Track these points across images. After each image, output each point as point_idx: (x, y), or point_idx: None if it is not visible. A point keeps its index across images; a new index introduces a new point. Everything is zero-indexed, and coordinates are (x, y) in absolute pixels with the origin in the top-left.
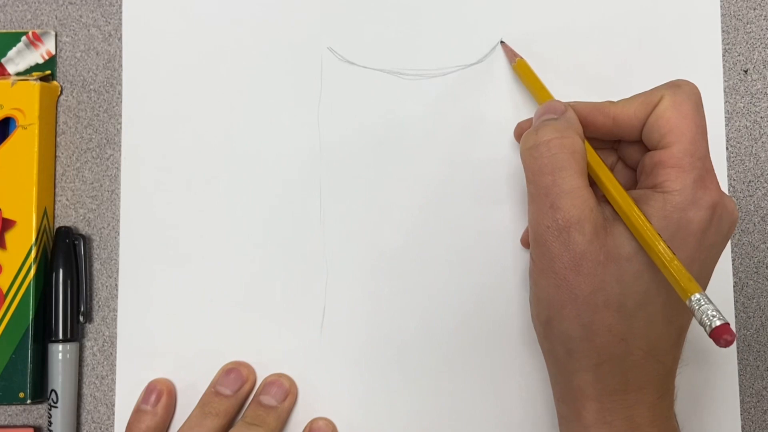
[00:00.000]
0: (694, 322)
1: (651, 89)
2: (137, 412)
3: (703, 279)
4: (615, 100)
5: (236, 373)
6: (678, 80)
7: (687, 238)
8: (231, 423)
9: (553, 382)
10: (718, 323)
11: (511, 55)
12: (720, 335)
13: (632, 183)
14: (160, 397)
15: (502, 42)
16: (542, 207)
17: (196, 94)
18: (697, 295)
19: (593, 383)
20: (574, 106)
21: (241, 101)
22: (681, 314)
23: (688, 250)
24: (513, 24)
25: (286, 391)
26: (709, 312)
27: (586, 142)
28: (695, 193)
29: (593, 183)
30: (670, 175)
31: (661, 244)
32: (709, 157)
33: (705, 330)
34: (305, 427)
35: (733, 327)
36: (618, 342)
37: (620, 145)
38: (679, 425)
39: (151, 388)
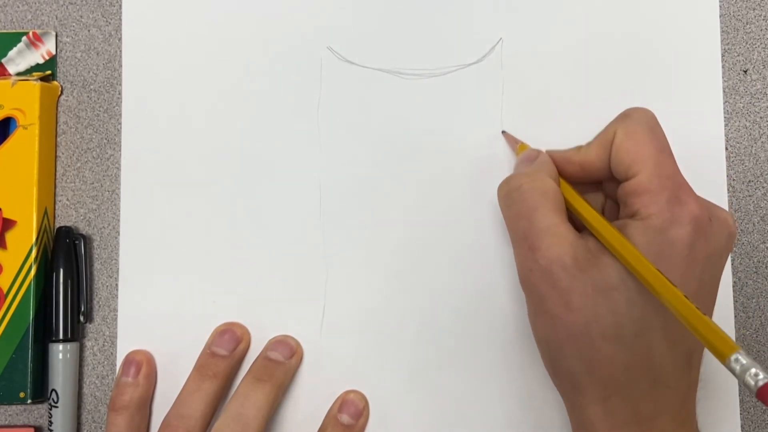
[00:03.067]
0: None
1: (605, 128)
2: (118, 385)
3: (705, 296)
4: (584, 141)
5: (230, 333)
6: (627, 110)
7: (673, 258)
8: (229, 384)
9: (569, 417)
10: (763, 382)
11: (513, 143)
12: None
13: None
14: (140, 367)
15: (503, 132)
16: (523, 250)
17: (196, 93)
18: (735, 355)
19: (604, 417)
20: (548, 153)
21: (240, 101)
22: (685, 336)
23: (679, 270)
24: (513, 24)
25: (292, 349)
26: (751, 370)
27: (562, 181)
28: (672, 211)
29: (580, 225)
30: (644, 200)
31: (681, 296)
32: (679, 174)
33: (750, 390)
34: (337, 399)
35: (732, 327)
36: (622, 372)
37: (603, 184)
38: None
39: (129, 360)
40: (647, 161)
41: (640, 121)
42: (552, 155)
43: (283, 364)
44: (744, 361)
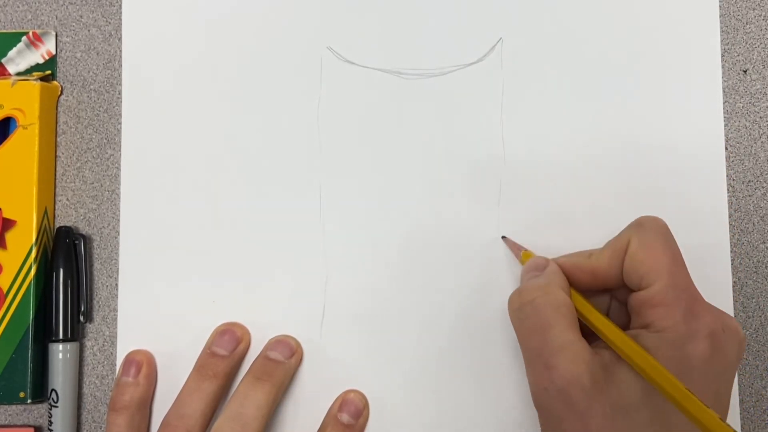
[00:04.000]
0: None
1: (617, 235)
2: (119, 385)
3: (721, 408)
4: (592, 251)
5: (230, 333)
6: (640, 218)
7: (691, 373)
8: (229, 384)
9: None
10: None
11: (515, 249)
12: None
13: (628, 319)
14: (140, 367)
15: (504, 237)
16: (537, 369)
17: (196, 93)
18: None
19: None
20: (557, 262)
21: (240, 101)
22: None
23: (696, 385)
24: (513, 24)
25: (292, 349)
26: None
27: (573, 291)
28: (688, 326)
29: (589, 332)
30: (659, 313)
31: (712, 414)
32: (693, 285)
33: None
34: (337, 398)
35: None
36: None
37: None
38: None
39: (129, 360)
40: (662, 272)
41: (654, 231)
42: (561, 263)
43: (283, 363)
44: None
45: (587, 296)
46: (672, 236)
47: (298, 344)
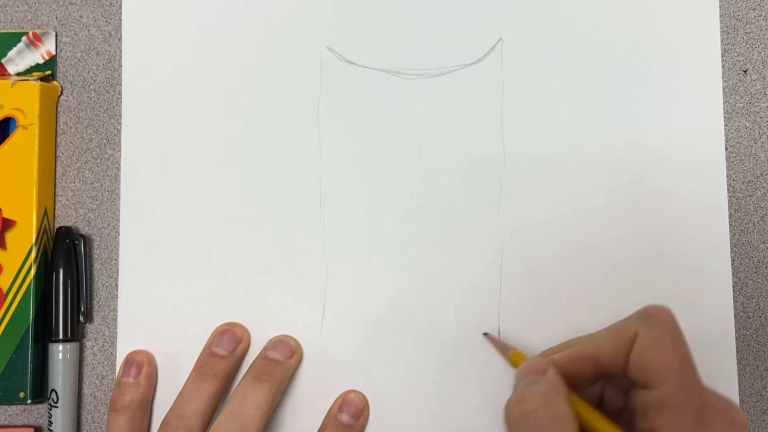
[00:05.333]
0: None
1: (622, 323)
2: (119, 385)
3: None
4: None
5: (230, 333)
6: (648, 309)
7: None
8: (229, 384)
9: None
10: None
11: (502, 348)
12: None
13: (624, 403)
14: (141, 367)
15: (486, 334)
16: None
17: (196, 93)
18: None
19: None
20: (555, 361)
21: (240, 101)
22: None
23: None
24: (513, 24)
25: (292, 349)
26: None
27: (575, 396)
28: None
29: None
30: (667, 419)
31: None
32: (703, 387)
33: None
34: (337, 399)
35: (732, 327)
36: None
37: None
38: None
39: (130, 360)
40: (672, 374)
41: (664, 326)
42: (560, 362)
43: (283, 363)
44: None
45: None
46: (681, 331)
47: (298, 344)
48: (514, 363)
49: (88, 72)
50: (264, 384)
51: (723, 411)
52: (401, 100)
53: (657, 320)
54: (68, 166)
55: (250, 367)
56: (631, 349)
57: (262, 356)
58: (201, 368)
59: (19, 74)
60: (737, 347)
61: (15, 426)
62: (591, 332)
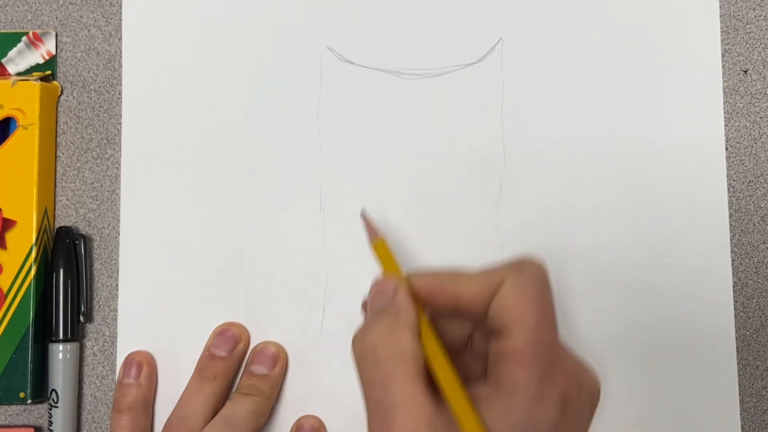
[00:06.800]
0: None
1: (494, 268)
2: (121, 386)
3: None
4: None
5: (229, 333)
6: (522, 260)
7: None
8: (230, 384)
9: None
10: None
11: (372, 232)
12: None
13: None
14: (141, 368)
15: (362, 214)
16: (376, 421)
17: (196, 93)
18: None
19: None
20: (413, 281)
21: (240, 101)
22: None
23: None
24: (512, 24)
25: (275, 357)
26: None
27: (428, 329)
28: (540, 389)
29: None
30: (512, 370)
31: None
32: (557, 342)
33: None
34: (293, 425)
35: (732, 327)
36: None
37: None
38: None
39: (130, 361)
40: (528, 325)
41: (531, 278)
42: (419, 285)
43: (268, 376)
44: None
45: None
46: (550, 287)
47: (280, 349)
48: (376, 251)
49: (89, 72)
50: (253, 397)
51: (573, 372)
52: (401, 100)
53: (525, 272)
54: (68, 166)
55: (238, 384)
56: (495, 296)
57: (247, 372)
58: (201, 370)
59: (19, 74)
60: (737, 347)
61: (15, 426)
62: (478, 271)
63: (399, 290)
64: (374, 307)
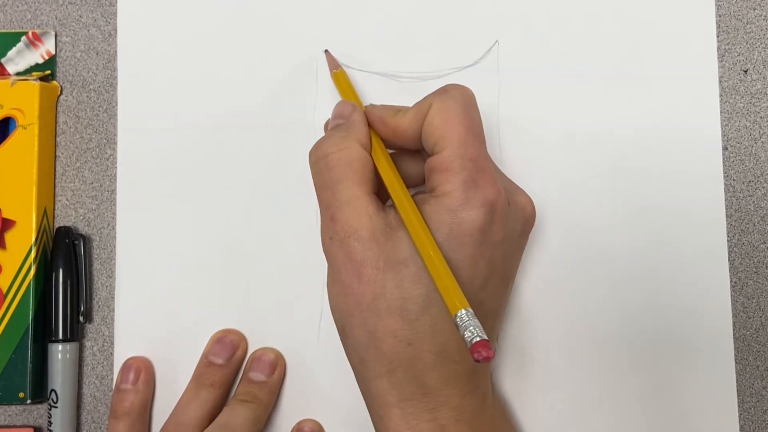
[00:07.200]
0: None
1: (423, 98)
2: (118, 392)
3: (498, 278)
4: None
5: (226, 341)
6: (447, 85)
7: (463, 239)
8: (227, 392)
9: (361, 391)
10: (477, 339)
11: (332, 64)
12: (476, 349)
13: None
14: (139, 373)
15: (326, 51)
16: (325, 219)
17: (193, 95)
18: (462, 312)
19: (390, 390)
20: (366, 111)
21: (237, 104)
22: None
23: (467, 251)
24: (508, 26)
25: (273, 364)
26: (470, 328)
27: (378, 145)
28: (466, 193)
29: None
30: (441, 178)
31: (434, 252)
32: (484, 158)
33: (467, 346)
34: (293, 428)
35: (731, 327)
36: (405, 347)
37: (423, 153)
38: (503, 410)
39: (127, 367)
40: (453, 139)
41: (455, 99)
42: (367, 112)
43: (266, 383)
44: (467, 319)
45: (405, 158)
46: (475, 107)
47: (278, 355)
48: (335, 80)
49: (88, 72)
50: (251, 405)
51: (500, 185)
52: (398, 103)
53: (451, 94)
54: (68, 166)
55: (235, 391)
56: (424, 120)
57: (245, 379)
58: (199, 377)
59: (18, 74)
60: (737, 347)
61: (15, 426)
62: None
63: (355, 110)
64: (333, 124)
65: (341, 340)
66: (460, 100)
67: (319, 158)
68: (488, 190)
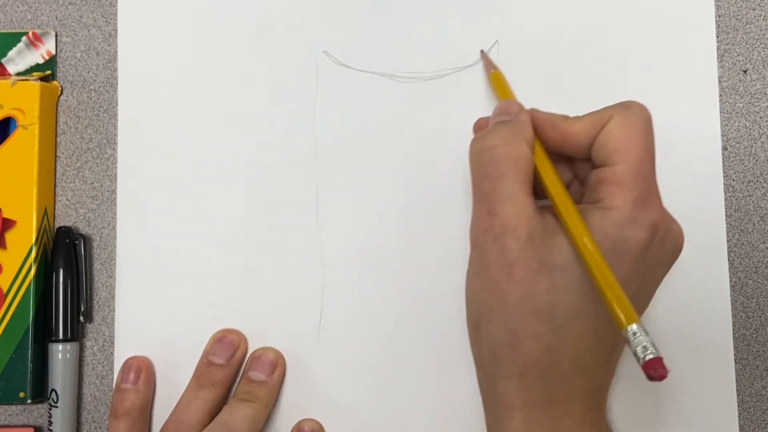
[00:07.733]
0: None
1: (602, 109)
2: (119, 391)
3: (641, 300)
4: (597, 108)
5: (227, 341)
6: (629, 101)
7: (624, 256)
8: (227, 392)
9: (480, 388)
10: (651, 356)
11: (489, 66)
12: (652, 366)
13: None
14: (139, 373)
15: (482, 51)
16: (481, 211)
17: (192, 98)
18: (634, 326)
19: (517, 392)
20: (530, 113)
21: (237, 104)
22: (611, 333)
23: (625, 269)
24: (508, 26)
25: (273, 363)
26: (644, 343)
27: (540, 149)
28: (635, 211)
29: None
30: (612, 191)
31: (604, 265)
32: (655, 179)
33: (638, 362)
34: (293, 428)
35: (731, 327)
36: (544, 352)
37: (574, 162)
38: None
39: (128, 366)
40: (631, 155)
41: (637, 115)
42: (534, 115)
43: (266, 383)
44: (640, 334)
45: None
46: (653, 129)
47: (278, 354)
48: (492, 81)
49: (88, 72)
50: (251, 404)
51: (664, 210)
52: (397, 103)
53: (633, 110)
54: (68, 165)
55: (235, 390)
56: (602, 130)
57: (245, 378)
58: (199, 377)
59: (19, 74)
60: (737, 347)
61: (15, 426)
62: None
63: (522, 110)
64: (497, 119)
65: (470, 332)
66: (641, 117)
67: (484, 148)
68: (655, 213)
